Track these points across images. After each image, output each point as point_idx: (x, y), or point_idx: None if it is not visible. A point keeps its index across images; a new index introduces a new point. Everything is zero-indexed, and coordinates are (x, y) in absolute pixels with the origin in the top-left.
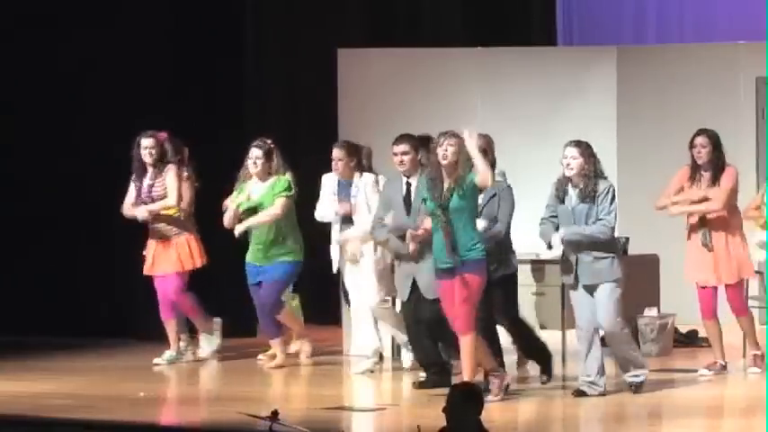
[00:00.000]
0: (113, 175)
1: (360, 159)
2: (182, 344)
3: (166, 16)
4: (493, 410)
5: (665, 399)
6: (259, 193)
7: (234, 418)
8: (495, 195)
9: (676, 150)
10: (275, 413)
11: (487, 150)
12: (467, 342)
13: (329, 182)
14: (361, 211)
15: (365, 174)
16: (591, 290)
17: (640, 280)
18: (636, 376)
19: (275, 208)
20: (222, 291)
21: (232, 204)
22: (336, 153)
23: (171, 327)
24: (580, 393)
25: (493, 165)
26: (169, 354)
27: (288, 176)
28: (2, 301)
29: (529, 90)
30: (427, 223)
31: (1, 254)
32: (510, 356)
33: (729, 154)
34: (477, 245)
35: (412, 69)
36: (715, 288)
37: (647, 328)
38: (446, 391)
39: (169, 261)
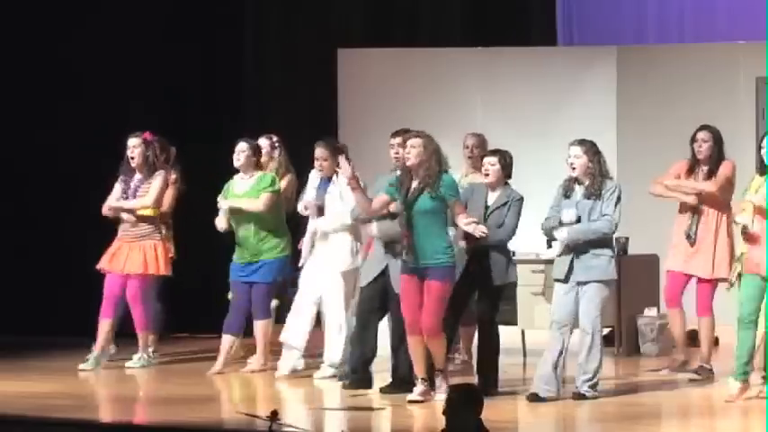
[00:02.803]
0: (111, 174)
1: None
2: (150, 348)
3: (165, 16)
4: (493, 410)
5: (664, 399)
6: (243, 189)
7: (234, 418)
8: (505, 204)
9: (676, 150)
10: (275, 413)
11: (482, 149)
12: (433, 346)
13: (314, 178)
14: (333, 204)
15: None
16: (581, 285)
17: (640, 280)
18: (588, 389)
19: (259, 202)
20: (216, 290)
21: (223, 205)
22: (321, 153)
23: (104, 327)
24: (535, 397)
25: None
26: (95, 354)
27: (273, 174)
28: (2, 301)
29: (529, 90)
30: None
31: (1, 254)
32: (514, 358)
33: (729, 154)
34: (448, 250)
35: (412, 69)
36: (687, 277)
37: (647, 328)
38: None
39: (133, 262)
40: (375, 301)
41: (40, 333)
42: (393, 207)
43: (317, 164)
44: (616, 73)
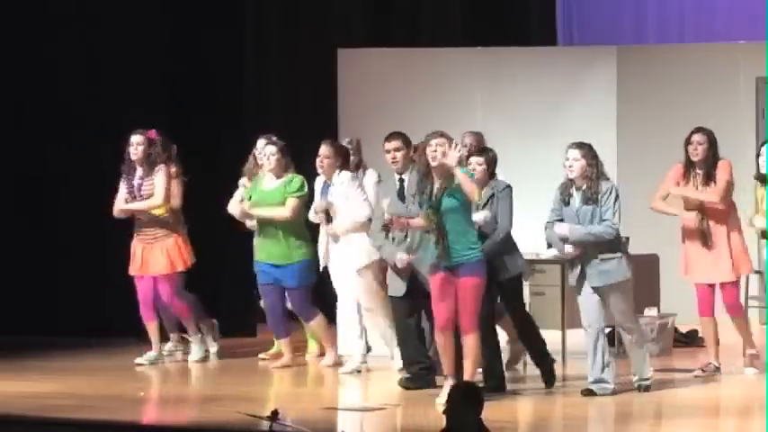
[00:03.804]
0: (113, 174)
1: (345, 161)
2: (170, 344)
3: (166, 16)
4: (493, 410)
5: (665, 399)
6: (271, 189)
7: (234, 418)
8: (493, 195)
9: (676, 150)
10: (275, 413)
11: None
12: (470, 342)
13: (318, 187)
14: (338, 206)
15: (343, 171)
16: (599, 291)
17: (640, 280)
18: (645, 379)
19: (286, 209)
20: (220, 290)
21: (249, 219)
22: (324, 151)
23: (152, 329)
24: (589, 393)
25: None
26: (151, 354)
27: (301, 177)
28: (2, 301)
29: (529, 90)
30: (414, 222)
31: (1, 254)
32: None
33: (729, 154)
34: (475, 246)
35: (412, 69)
36: (713, 285)
37: (648, 327)
38: (432, 391)
39: (158, 263)
40: (409, 309)
41: (40, 333)
42: (415, 222)
43: (318, 161)
44: (616, 73)
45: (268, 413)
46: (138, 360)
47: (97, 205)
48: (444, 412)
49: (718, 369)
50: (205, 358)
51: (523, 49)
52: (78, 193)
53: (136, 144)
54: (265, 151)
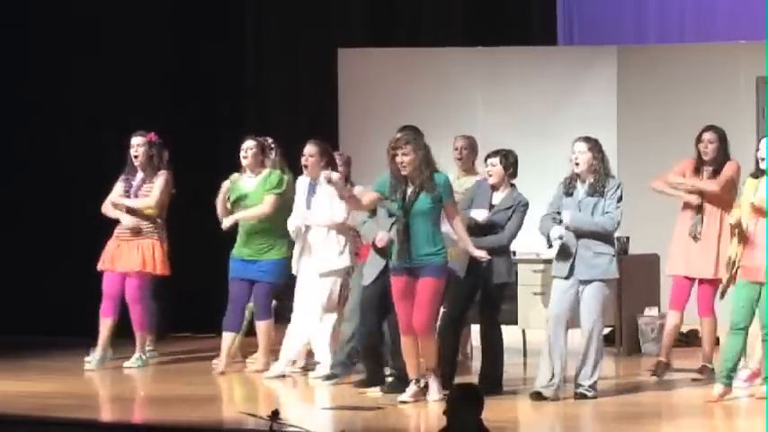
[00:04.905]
0: (112, 174)
1: (330, 161)
2: (148, 347)
3: (166, 16)
4: (493, 410)
5: (664, 399)
6: (249, 187)
7: (234, 418)
8: (510, 208)
9: (677, 150)
10: (275, 413)
11: (471, 151)
12: (424, 344)
13: (301, 186)
14: (321, 205)
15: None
16: (583, 284)
17: (640, 280)
18: (589, 389)
19: (264, 206)
20: (219, 290)
21: (227, 223)
22: (309, 149)
23: (106, 325)
24: (538, 396)
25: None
26: (98, 354)
27: (279, 173)
28: (2, 301)
29: (529, 90)
30: (353, 192)
31: (1, 253)
32: (515, 358)
33: (730, 154)
34: (441, 251)
35: (412, 69)
36: (691, 280)
37: (648, 327)
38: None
39: (131, 260)
40: (376, 300)
41: (40, 333)
42: (352, 193)
43: (303, 159)
44: (616, 73)
45: (268, 413)
46: (87, 358)
47: (97, 205)
48: (444, 412)
49: (706, 369)
50: (141, 366)
51: (523, 49)
52: (79, 194)
53: (136, 146)
54: (243, 145)
